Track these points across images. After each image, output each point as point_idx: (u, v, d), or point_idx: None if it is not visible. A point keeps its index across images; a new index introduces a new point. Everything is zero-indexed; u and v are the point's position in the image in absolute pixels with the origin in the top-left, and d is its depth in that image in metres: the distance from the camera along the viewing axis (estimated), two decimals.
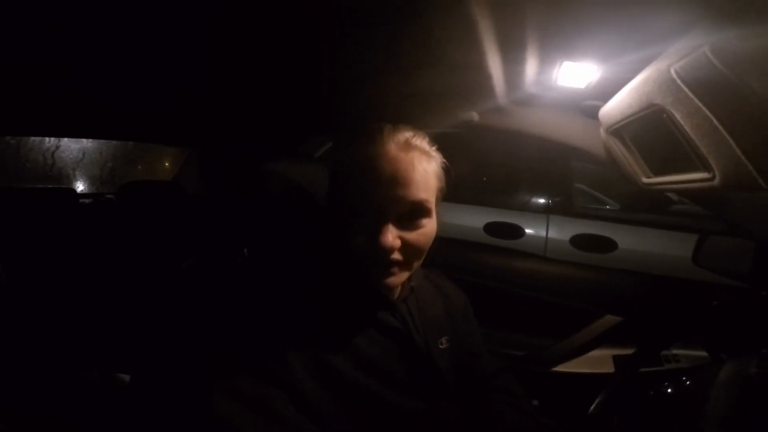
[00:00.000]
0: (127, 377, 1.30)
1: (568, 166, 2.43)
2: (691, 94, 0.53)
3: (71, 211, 1.70)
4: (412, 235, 0.59)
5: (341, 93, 1.12)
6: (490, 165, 2.61)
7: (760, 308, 0.90)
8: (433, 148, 0.63)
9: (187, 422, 0.76)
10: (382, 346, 0.64)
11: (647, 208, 2.30)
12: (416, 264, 0.63)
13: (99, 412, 1.20)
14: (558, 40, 0.72)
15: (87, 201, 2.02)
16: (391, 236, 0.56)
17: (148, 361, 1.03)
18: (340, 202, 0.61)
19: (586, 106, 0.98)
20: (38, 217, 1.60)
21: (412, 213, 0.59)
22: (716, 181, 0.61)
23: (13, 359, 1.34)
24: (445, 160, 0.65)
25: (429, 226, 0.61)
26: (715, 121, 0.52)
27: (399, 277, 0.61)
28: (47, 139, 2.99)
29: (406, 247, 0.59)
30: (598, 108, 0.90)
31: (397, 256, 0.58)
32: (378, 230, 0.56)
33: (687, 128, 0.58)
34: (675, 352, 1.33)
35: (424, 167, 0.59)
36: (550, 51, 0.76)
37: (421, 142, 0.61)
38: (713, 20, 0.47)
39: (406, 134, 0.60)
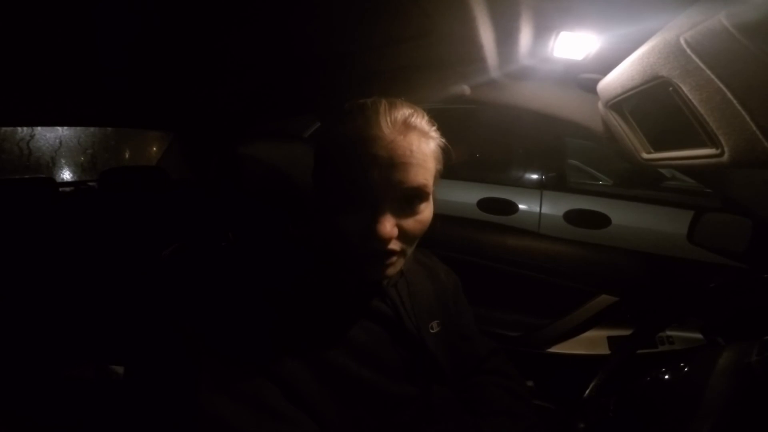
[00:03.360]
0: (121, 369, 1.28)
1: (562, 142, 2.41)
2: (702, 65, 0.48)
3: (51, 200, 1.65)
4: (409, 222, 0.55)
5: (327, 69, 1.06)
6: (483, 140, 2.58)
7: (759, 292, 0.89)
8: (433, 128, 0.58)
9: (178, 417, 0.74)
10: (372, 333, 0.63)
11: (640, 184, 2.30)
12: (411, 251, 0.59)
13: (93, 407, 1.19)
14: (555, 9, 0.67)
15: (68, 189, 1.96)
16: (389, 225, 0.52)
17: (135, 354, 1.00)
18: (330, 187, 0.56)
19: (583, 79, 0.93)
20: (16, 209, 1.54)
21: (409, 199, 0.54)
22: (725, 158, 0.57)
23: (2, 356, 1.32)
24: (444, 140, 0.59)
25: (426, 212, 0.57)
26: (728, 93, 0.47)
27: (395, 267, 0.57)
28: (20, 128, 2.88)
29: (403, 235, 0.55)
30: (597, 81, 0.86)
31: (394, 245, 0.54)
32: (374, 219, 0.51)
33: (695, 102, 0.54)
34: (669, 333, 1.33)
35: (423, 150, 0.54)
36: (547, 20, 0.71)
37: (421, 121, 0.56)
38: None
39: (405, 112, 0.54)
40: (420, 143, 0.54)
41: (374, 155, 0.51)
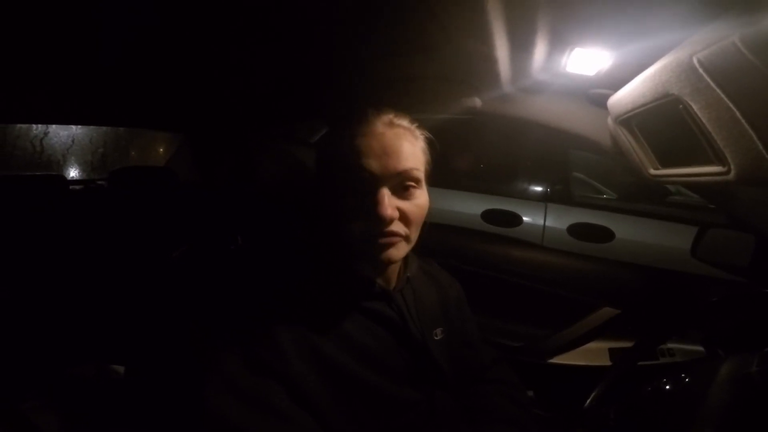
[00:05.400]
0: (121, 369, 1.28)
1: (567, 155, 2.42)
2: (713, 85, 0.50)
3: (60, 197, 1.66)
4: (407, 205, 0.60)
5: (338, 77, 1.08)
6: (488, 152, 2.59)
7: (760, 306, 0.90)
8: (415, 125, 0.67)
9: (182, 415, 0.75)
10: (377, 337, 0.64)
11: (645, 199, 2.30)
12: (414, 237, 0.63)
13: (94, 406, 1.19)
14: (570, 26, 0.69)
15: (77, 188, 1.97)
16: (390, 206, 0.57)
17: (141, 353, 1.01)
18: (332, 183, 0.62)
19: (593, 95, 0.95)
20: (26, 205, 1.56)
21: (404, 183, 0.60)
22: (731, 175, 0.59)
23: (4, 354, 1.32)
24: (430, 135, 0.68)
25: (422, 198, 0.63)
26: (737, 113, 0.49)
27: (399, 250, 0.61)
28: (34, 126, 2.93)
29: (403, 217, 0.60)
30: (607, 97, 0.88)
31: (396, 227, 0.58)
32: (374, 200, 0.57)
33: (704, 120, 0.56)
34: (670, 346, 1.34)
35: (410, 141, 0.63)
36: (561, 36, 0.73)
37: (404, 121, 0.65)
38: (743, 9, 0.45)
39: (389, 114, 0.64)
40: (407, 135, 0.63)
41: (369, 146, 0.59)
